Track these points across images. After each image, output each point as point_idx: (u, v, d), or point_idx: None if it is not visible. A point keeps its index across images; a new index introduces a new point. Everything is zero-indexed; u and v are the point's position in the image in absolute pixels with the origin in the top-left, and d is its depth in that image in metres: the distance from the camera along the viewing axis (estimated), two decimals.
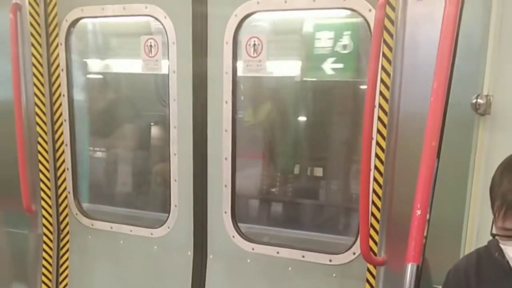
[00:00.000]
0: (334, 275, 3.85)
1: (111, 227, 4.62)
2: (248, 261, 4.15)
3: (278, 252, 4.04)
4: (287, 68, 4.64)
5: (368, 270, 3.62)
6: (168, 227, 4.37)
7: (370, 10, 3.41)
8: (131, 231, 4.55)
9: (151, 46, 4.22)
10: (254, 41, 3.89)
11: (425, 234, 3.00)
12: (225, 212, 4.15)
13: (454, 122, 3.03)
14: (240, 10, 3.83)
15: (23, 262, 4.76)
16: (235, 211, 4.18)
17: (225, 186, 4.11)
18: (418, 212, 2.74)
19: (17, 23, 4.28)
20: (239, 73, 4.00)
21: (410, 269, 2.76)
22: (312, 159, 5.09)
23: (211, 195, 4.18)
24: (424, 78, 3.02)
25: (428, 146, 2.76)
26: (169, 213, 4.36)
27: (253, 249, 4.13)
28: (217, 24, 3.92)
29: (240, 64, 3.97)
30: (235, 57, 3.93)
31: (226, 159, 4.07)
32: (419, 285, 3.07)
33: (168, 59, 4.12)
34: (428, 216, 2.94)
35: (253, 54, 3.91)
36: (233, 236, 4.17)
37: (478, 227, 3.08)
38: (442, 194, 3.12)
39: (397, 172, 3.34)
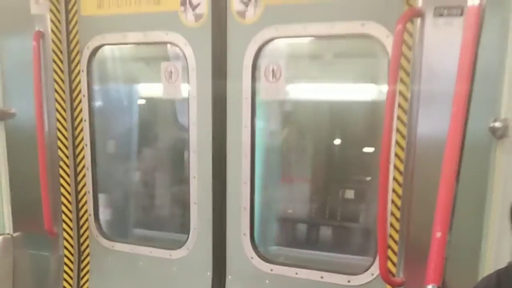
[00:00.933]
0: None
1: (131, 249, 4.68)
2: (267, 282, 4.19)
3: (296, 273, 4.08)
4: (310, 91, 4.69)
5: None
6: (187, 249, 4.42)
7: (387, 36, 3.48)
8: (150, 252, 4.60)
9: (171, 72, 4.31)
10: (273, 66, 3.97)
11: (444, 256, 3.03)
12: (244, 234, 4.20)
13: (472, 145, 3.07)
14: (259, 37, 3.91)
15: (44, 284, 4.81)
16: (254, 233, 4.23)
17: (244, 208, 4.17)
18: (438, 234, 2.78)
19: (40, 50, 4.39)
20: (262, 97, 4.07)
21: None
22: (339, 181, 5.12)
23: (230, 217, 4.24)
24: (442, 102, 3.09)
25: (447, 169, 2.80)
26: (188, 235, 4.42)
27: (271, 270, 4.18)
28: (236, 50, 3.99)
29: (259, 89, 4.04)
30: (254, 82, 4.01)
31: (245, 183, 4.13)
32: None
33: (188, 84, 4.21)
34: (448, 238, 2.98)
35: (272, 79, 3.99)
36: (252, 257, 4.22)
37: (496, 249, 3.11)
38: (460, 217, 3.14)
39: (414, 195, 3.39)
